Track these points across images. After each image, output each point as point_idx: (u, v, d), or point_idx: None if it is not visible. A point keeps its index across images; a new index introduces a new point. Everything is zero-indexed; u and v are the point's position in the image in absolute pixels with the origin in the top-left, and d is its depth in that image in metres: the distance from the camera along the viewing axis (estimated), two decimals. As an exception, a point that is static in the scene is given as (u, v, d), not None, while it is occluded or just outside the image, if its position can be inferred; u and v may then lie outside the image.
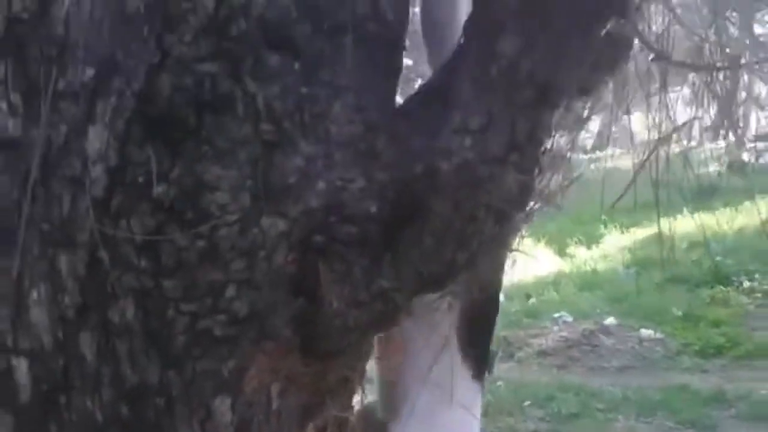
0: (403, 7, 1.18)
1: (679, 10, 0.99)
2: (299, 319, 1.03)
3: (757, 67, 0.99)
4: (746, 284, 6.40)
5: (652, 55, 1.01)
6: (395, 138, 1.06)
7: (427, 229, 1.04)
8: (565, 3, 0.99)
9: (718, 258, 6.52)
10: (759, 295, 6.21)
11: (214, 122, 0.94)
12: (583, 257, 8.08)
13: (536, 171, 1.08)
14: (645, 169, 1.18)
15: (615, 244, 8.27)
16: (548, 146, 1.07)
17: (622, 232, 8.33)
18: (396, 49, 1.18)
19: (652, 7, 1.03)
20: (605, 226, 8.51)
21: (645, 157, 1.03)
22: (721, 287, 6.36)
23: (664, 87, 1.00)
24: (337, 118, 1.04)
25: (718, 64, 1.00)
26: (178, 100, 0.91)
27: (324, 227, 1.00)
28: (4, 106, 0.93)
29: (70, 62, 0.92)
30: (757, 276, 6.46)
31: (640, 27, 1.01)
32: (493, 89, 1.03)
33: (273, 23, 0.98)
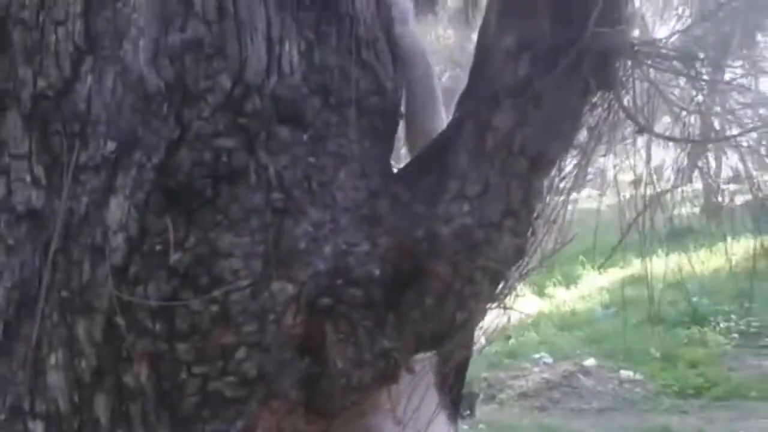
0: (400, 79, 1.26)
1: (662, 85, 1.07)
2: (305, 379, 1.06)
3: (735, 141, 1.07)
4: (723, 324, 6.53)
5: (636, 128, 1.08)
6: (397, 204, 1.12)
7: (428, 290, 1.09)
8: (556, 83, 1.06)
9: (694, 298, 6.65)
10: (735, 335, 6.34)
11: (229, 192, 0.99)
12: (562, 297, 8.18)
13: (530, 234, 1.14)
14: (621, 212, 1.25)
15: (593, 285, 8.39)
16: (541, 211, 1.13)
17: (600, 273, 8.45)
18: (394, 117, 1.25)
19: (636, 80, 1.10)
20: (583, 267, 8.64)
21: (634, 218, 1.10)
22: (698, 327, 6.48)
23: (648, 159, 1.08)
24: (342, 186, 1.10)
25: (699, 138, 1.08)
26: (196, 172, 0.96)
27: (330, 290, 1.05)
28: (28, 178, 0.97)
29: (92, 137, 0.97)
30: (733, 316, 6.59)
31: (624, 100, 1.09)
32: (489, 159, 1.10)
33: (284, 99, 1.04)
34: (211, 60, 0.99)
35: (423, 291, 1.09)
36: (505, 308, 1.20)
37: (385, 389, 1.14)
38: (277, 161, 1.03)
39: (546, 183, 1.17)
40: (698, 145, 1.09)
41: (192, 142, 0.97)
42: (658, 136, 1.08)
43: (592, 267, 8.62)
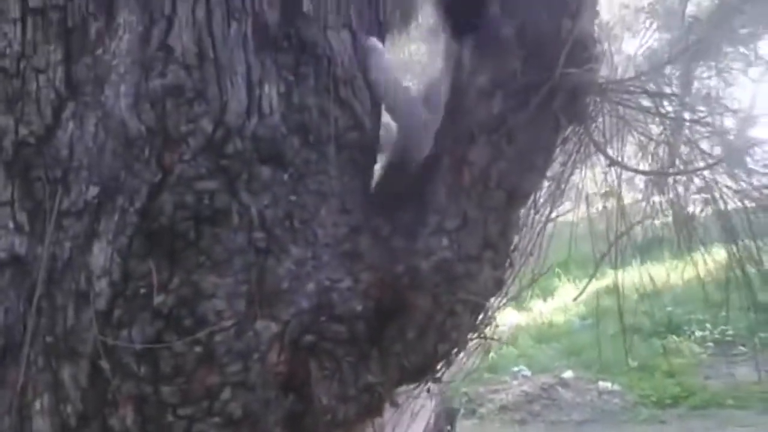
0: (377, 114, 1.28)
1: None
2: (290, 416, 1.07)
3: (705, 173, 1.11)
4: (698, 333, 6.63)
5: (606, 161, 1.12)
6: (378, 238, 1.14)
7: (410, 323, 1.11)
8: (528, 119, 1.09)
9: (668, 308, 6.74)
10: (710, 344, 6.43)
11: (212, 233, 1.00)
12: (539, 310, 8.23)
13: (508, 266, 1.17)
14: (595, 222, 1.28)
15: (569, 296, 8.46)
16: (517, 242, 1.16)
17: (575, 284, 8.54)
18: (372, 150, 1.28)
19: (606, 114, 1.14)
20: (559, 279, 8.71)
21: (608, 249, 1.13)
22: (674, 337, 6.57)
23: (619, 192, 1.12)
24: (323, 222, 1.12)
25: (670, 170, 1.12)
26: (179, 215, 0.97)
27: (314, 327, 1.06)
28: (11, 225, 0.98)
29: (74, 182, 0.98)
30: (707, 325, 6.69)
31: (595, 134, 1.13)
32: (466, 193, 1.13)
33: (265, 140, 1.06)
34: (192, 104, 1.01)
35: (405, 324, 1.11)
36: (485, 338, 1.23)
37: (369, 423, 1.16)
38: (258, 201, 1.05)
39: (522, 214, 1.21)
40: (671, 175, 1.13)
41: (174, 186, 0.99)
42: (628, 168, 1.12)
43: (568, 279, 8.71)
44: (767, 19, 11.41)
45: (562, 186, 1.17)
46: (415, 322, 1.11)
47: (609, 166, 1.12)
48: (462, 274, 1.12)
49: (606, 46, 1.11)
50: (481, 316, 1.17)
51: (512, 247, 1.17)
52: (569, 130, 1.18)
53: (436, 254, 1.11)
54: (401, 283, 1.11)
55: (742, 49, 12.96)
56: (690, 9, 12.47)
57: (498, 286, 1.16)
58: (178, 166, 0.99)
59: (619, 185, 1.28)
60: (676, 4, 12.17)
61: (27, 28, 0.98)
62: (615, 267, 1.34)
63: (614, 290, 1.40)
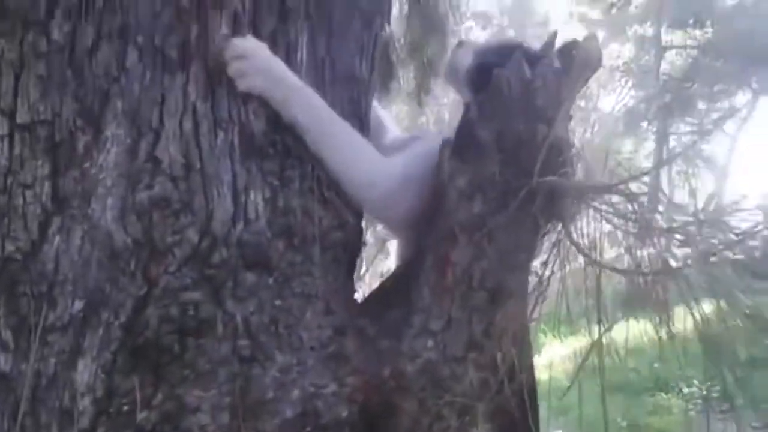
0: (360, 209, 1.30)
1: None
2: None
3: (683, 273, 1.12)
4: (686, 390, 6.60)
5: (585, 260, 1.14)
6: (363, 339, 1.15)
7: (397, 428, 1.11)
8: (508, 220, 1.12)
9: (656, 365, 6.73)
10: (699, 400, 6.39)
11: (196, 345, 1.00)
12: (527, 367, 8.16)
13: (494, 366, 1.17)
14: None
15: (556, 353, 8.43)
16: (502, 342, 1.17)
17: (561, 341, 8.50)
18: (357, 246, 1.29)
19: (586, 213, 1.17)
20: (545, 335, 8.68)
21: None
22: (662, 394, 6.54)
23: (598, 290, 1.14)
24: (308, 325, 1.12)
25: (646, 269, 1.14)
26: (163, 329, 0.98)
27: (299, 436, 1.05)
28: (-5, 342, 0.97)
29: (60, 296, 0.98)
30: (695, 381, 6.67)
31: (573, 234, 1.15)
32: (449, 294, 1.14)
33: (250, 245, 1.07)
34: (178, 215, 1.02)
35: (391, 429, 1.10)
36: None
37: None
38: (244, 308, 1.06)
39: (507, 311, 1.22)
40: (649, 275, 1.15)
41: (159, 298, 0.99)
42: (607, 267, 1.14)
43: (554, 335, 8.65)
44: (741, 76, 11.84)
45: (545, 283, 1.18)
46: (401, 426, 1.11)
47: (587, 264, 1.14)
48: (447, 376, 1.12)
49: (580, 148, 1.14)
50: (468, 418, 1.17)
51: (498, 347, 1.17)
52: (550, 226, 1.20)
53: (422, 356, 1.12)
54: (387, 387, 1.11)
55: (717, 105, 13.38)
56: (664, 67, 12.93)
57: (484, 387, 1.16)
58: (163, 277, 1.00)
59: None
60: (651, 62, 12.62)
61: (14, 144, 0.99)
62: (599, 323, 1.35)
63: (603, 347, 1.40)
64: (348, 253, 1.25)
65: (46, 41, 1.00)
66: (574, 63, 1.12)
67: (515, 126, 1.14)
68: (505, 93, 1.16)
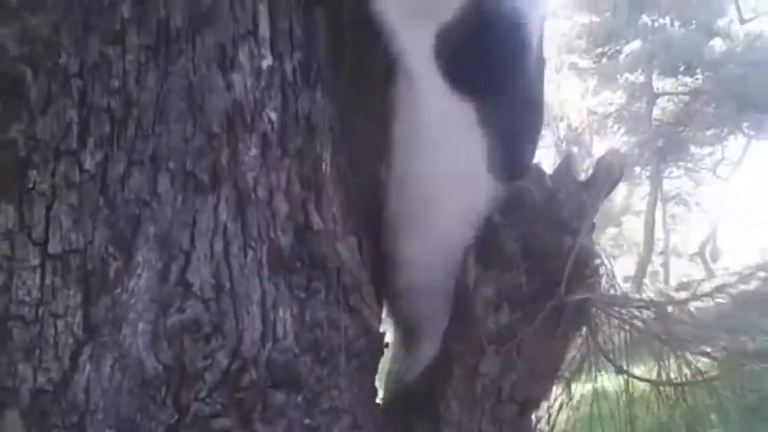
0: (381, 312, 1.30)
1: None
2: None
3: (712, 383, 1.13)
4: (689, 441, 6.51)
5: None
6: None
7: None
8: (537, 331, 1.12)
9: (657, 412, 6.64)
10: (702, 452, 6.30)
11: (228, 474, 0.98)
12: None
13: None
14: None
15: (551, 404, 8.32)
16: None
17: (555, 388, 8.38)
18: (380, 350, 1.28)
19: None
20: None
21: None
22: (668, 447, 6.45)
23: (629, 399, 1.14)
24: (337, 443, 1.11)
25: (676, 380, 1.14)
26: (194, 463, 0.96)
27: None
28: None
29: (90, 426, 0.96)
30: (698, 429, 6.58)
31: (601, 340, 1.16)
32: (479, 406, 1.13)
33: (279, 365, 1.06)
34: (209, 338, 1.01)
35: None
36: None
37: None
38: (272, 429, 1.04)
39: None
40: (677, 386, 1.15)
41: (190, 426, 0.98)
42: (635, 377, 1.14)
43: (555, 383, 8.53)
44: (733, 121, 12.02)
45: (571, 393, 1.18)
46: None
47: (617, 373, 1.14)
48: (479, 492, 1.11)
49: (605, 259, 1.15)
50: None
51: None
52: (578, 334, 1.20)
53: (454, 473, 1.11)
54: (419, 504, 1.10)
55: (709, 149, 13.56)
56: (656, 113, 13.12)
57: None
58: (194, 404, 0.99)
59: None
60: (643, 109, 12.81)
61: (46, 274, 0.99)
62: (595, 372, 1.33)
63: (605, 396, 1.39)
64: (372, 359, 1.24)
65: (78, 171, 1.01)
66: (597, 176, 1.14)
67: (540, 235, 1.15)
68: (528, 202, 1.17)
